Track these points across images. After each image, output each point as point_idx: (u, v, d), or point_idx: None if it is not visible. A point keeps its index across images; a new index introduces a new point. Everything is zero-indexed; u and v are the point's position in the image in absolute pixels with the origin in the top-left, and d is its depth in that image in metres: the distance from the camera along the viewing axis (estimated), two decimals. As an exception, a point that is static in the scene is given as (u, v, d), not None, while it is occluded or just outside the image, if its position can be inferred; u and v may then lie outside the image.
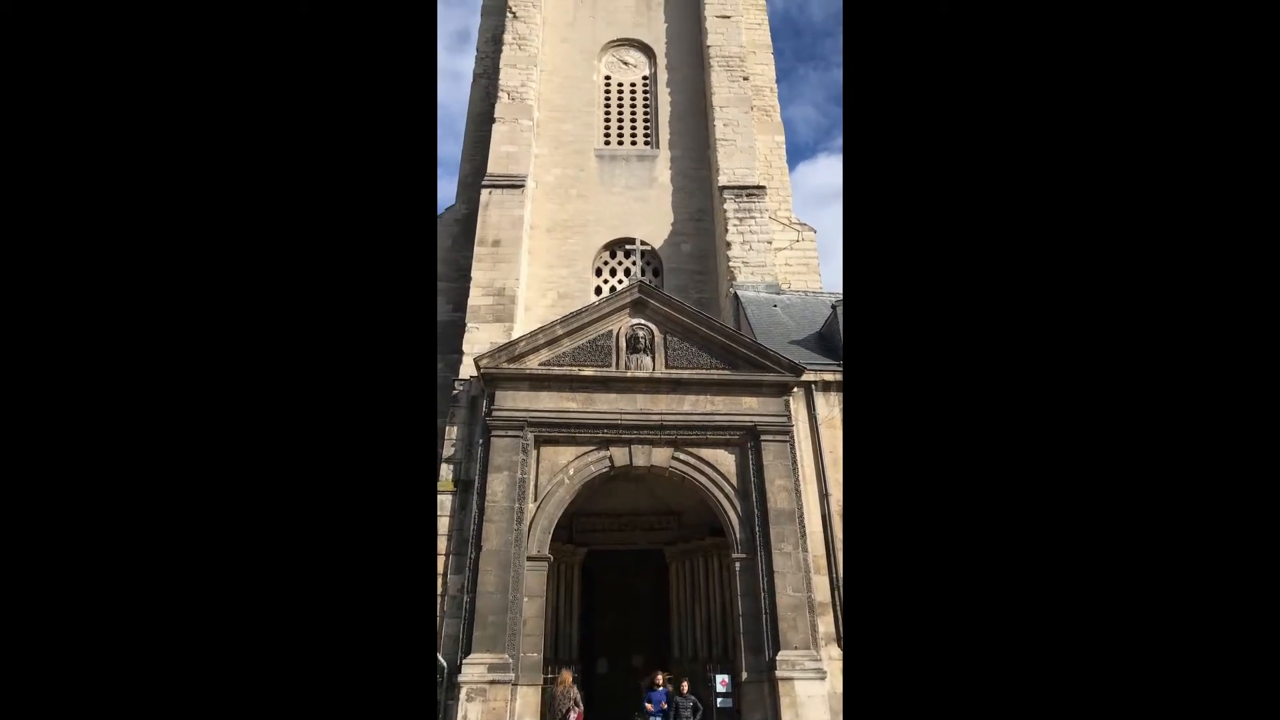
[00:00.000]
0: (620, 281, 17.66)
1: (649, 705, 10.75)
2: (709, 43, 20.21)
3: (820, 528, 11.67)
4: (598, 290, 17.65)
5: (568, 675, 10.95)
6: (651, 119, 20.30)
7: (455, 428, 12.46)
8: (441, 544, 11.28)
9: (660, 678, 11.02)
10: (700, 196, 18.98)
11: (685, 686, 10.85)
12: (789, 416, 12.23)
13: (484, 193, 17.05)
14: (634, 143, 20.10)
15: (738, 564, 11.41)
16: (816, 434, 12.29)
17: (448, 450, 12.23)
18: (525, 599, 10.86)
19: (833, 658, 10.74)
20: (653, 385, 12.25)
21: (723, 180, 17.93)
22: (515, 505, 11.29)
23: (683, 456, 11.96)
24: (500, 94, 18.85)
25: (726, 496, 11.79)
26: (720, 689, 11.32)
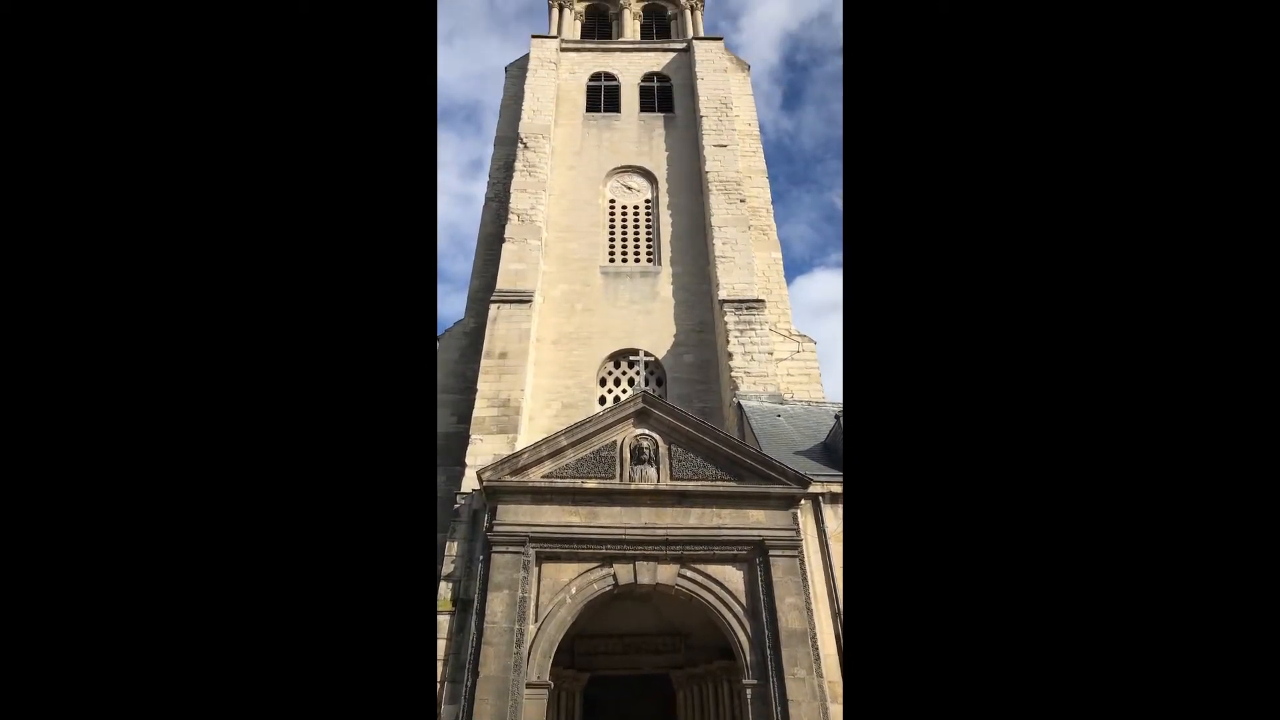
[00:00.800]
0: (624, 391, 17.80)
1: None
2: (707, 169, 21.50)
3: (834, 650, 11.06)
4: (602, 400, 17.76)
5: None
6: (654, 238, 21.24)
7: (456, 543, 12.15)
8: (438, 670, 10.70)
9: None
10: (702, 309, 19.50)
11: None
12: (797, 530, 11.90)
13: (493, 307, 17.59)
14: (637, 260, 20.92)
15: (749, 690, 10.72)
16: (826, 548, 11.91)
17: (447, 567, 11.87)
18: (523, 731, 10.15)
19: (855, 799, 9.85)
20: (657, 498, 12.02)
21: (723, 294, 18.49)
22: (515, 626, 10.80)
23: (689, 574, 11.54)
24: (510, 215, 19.92)
25: (735, 616, 11.28)
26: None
